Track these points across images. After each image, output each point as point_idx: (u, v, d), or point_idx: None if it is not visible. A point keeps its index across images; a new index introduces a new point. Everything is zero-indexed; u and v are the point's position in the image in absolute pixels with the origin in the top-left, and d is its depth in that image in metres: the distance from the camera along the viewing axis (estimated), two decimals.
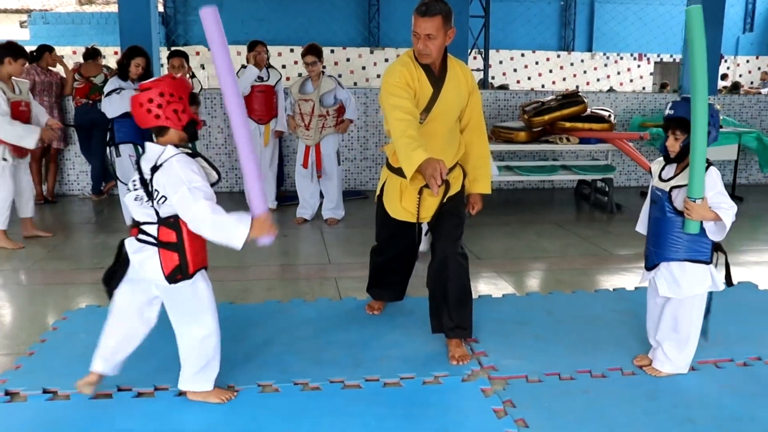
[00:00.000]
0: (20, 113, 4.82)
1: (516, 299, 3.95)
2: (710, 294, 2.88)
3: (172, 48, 6.20)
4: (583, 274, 4.47)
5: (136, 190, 2.43)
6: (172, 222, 2.41)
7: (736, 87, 11.35)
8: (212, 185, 2.45)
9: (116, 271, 2.54)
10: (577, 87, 14.16)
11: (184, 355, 2.64)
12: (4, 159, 4.83)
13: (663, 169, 2.88)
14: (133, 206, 2.45)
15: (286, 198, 6.71)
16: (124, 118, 5.06)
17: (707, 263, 2.78)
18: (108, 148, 5.27)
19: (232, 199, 6.86)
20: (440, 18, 2.86)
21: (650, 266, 2.91)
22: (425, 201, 3.08)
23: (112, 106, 5.05)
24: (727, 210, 2.66)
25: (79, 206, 6.53)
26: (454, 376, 2.93)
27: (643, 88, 15.21)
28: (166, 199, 2.37)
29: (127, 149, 5.16)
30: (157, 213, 2.41)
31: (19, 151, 4.89)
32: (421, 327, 3.36)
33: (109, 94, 5.07)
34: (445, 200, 3.10)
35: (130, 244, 2.48)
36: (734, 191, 7.22)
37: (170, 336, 3.24)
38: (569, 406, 2.68)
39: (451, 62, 3.05)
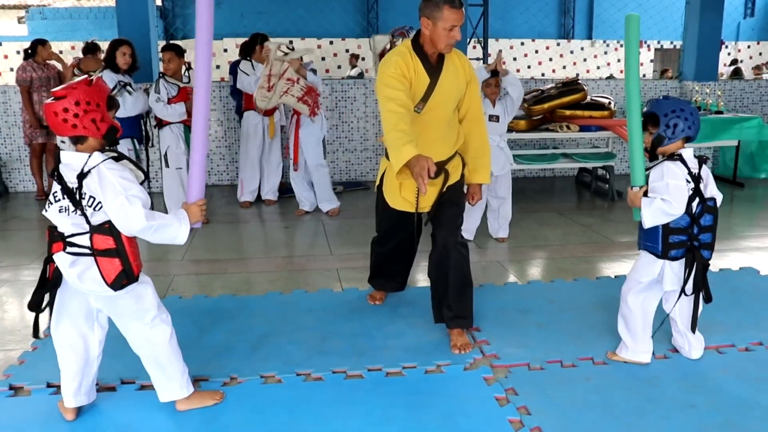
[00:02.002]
0: None
1: (518, 287, 3.96)
2: (695, 295, 2.78)
3: (167, 42, 6.15)
4: (585, 262, 4.47)
5: (58, 201, 2.28)
6: (108, 228, 2.27)
7: (736, 72, 11.29)
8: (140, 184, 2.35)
9: (44, 294, 2.36)
10: (577, 75, 14.10)
11: (158, 364, 2.50)
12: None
13: None
14: (58, 218, 2.29)
15: (288, 190, 6.70)
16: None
17: (657, 256, 2.77)
18: None
19: (232, 192, 6.86)
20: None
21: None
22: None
23: (124, 107, 5.04)
24: (651, 200, 2.65)
25: None
26: (456, 364, 2.94)
27: (644, 75, 15.13)
28: (101, 205, 2.25)
29: (125, 144, 5.16)
30: (87, 221, 2.26)
31: None
32: (423, 317, 3.36)
33: (114, 89, 5.05)
34: (444, 189, 3.10)
35: (61, 259, 2.29)
36: (735, 178, 7.20)
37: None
38: (571, 394, 2.69)
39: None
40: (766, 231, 5.32)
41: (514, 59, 14.96)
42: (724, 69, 12.22)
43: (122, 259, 2.31)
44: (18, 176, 7.01)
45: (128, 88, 5.15)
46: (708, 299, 2.79)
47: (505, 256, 4.63)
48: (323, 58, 14.13)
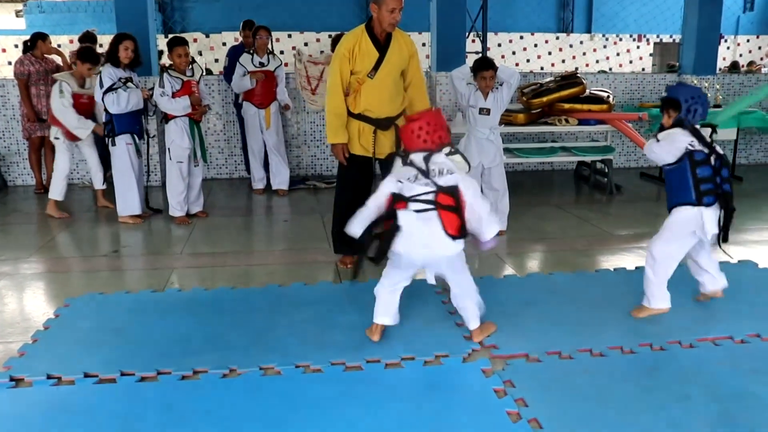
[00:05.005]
0: (81, 104, 5.45)
1: (518, 280, 3.97)
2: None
3: (173, 35, 6.13)
4: (584, 255, 4.48)
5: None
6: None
7: (735, 66, 11.28)
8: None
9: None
10: (576, 69, 14.06)
11: (473, 303, 3.12)
12: (57, 138, 5.55)
13: None
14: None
15: (296, 182, 6.71)
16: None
17: (693, 205, 3.13)
18: (105, 138, 5.29)
19: (231, 185, 6.88)
20: None
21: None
22: (379, 140, 3.92)
23: (119, 105, 5.10)
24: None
25: (78, 195, 6.53)
26: (455, 356, 2.95)
27: (643, 69, 15.11)
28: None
29: (124, 138, 5.21)
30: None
31: (70, 136, 5.51)
32: (421, 309, 3.38)
33: (111, 89, 5.06)
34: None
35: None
36: (734, 171, 7.21)
37: (169, 322, 3.29)
38: (569, 385, 2.70)
39: (394, 32, 3.85)
40: (764, 224, 5.34)
41: (513, 53, 14.93)
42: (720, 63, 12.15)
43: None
44: (17, 170, 7.01)
45: (129, 84, 5.16)
46: (726, 239, 3.21)
47: (503, 250, 4.64)
48: (321, 52, 14.09)
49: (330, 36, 14.10)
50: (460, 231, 2.89)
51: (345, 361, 2.91)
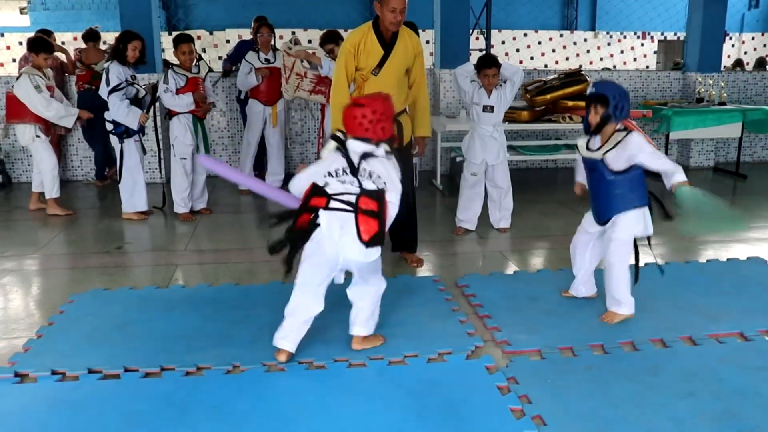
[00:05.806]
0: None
1: (523, 276, 3.96)
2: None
3: (178, 32, 6.13)
4: None
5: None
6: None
7: (738, 64, 11.23)
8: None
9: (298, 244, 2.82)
10: (580, 66, 14.03)
11: (368, 306, 2.96)
12: (38, 136, 5.42)
13: (588, 141, 3.23)
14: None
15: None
16: None
17: (645, 206, 3.16)
18: (119, 137, 5.27)
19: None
20: None
21: (605, 220, 3.27)
22: None
23: (117, 113, 5.12)
24: (659, 156, 3.11)
25: (83, 192, 6.55)
26: (458, 353, 2.95)
27: (647, 67, 15.08)
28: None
29: (133, 135, 5.25)
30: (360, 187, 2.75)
31: (47, 130, 5.48)
32: (425, 306, 3.38)
33: (116, 88, 5.06)
34: (404, 145, 3.93)
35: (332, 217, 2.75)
36: (738, 169, 7.20)
37: (173, 318, 3.29)
38: (572, 382, 2.70)
39: (401, 31, 3.88)
40: None
41: (517, 50, 14.90)
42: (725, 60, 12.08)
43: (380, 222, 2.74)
44: (21, 167, 7.03)
45: (136, 85, 5.19)
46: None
47: (506, 246, 4.64)
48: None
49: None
50: (375, 238, 2.71)
51: (348, 358, 2.91)
